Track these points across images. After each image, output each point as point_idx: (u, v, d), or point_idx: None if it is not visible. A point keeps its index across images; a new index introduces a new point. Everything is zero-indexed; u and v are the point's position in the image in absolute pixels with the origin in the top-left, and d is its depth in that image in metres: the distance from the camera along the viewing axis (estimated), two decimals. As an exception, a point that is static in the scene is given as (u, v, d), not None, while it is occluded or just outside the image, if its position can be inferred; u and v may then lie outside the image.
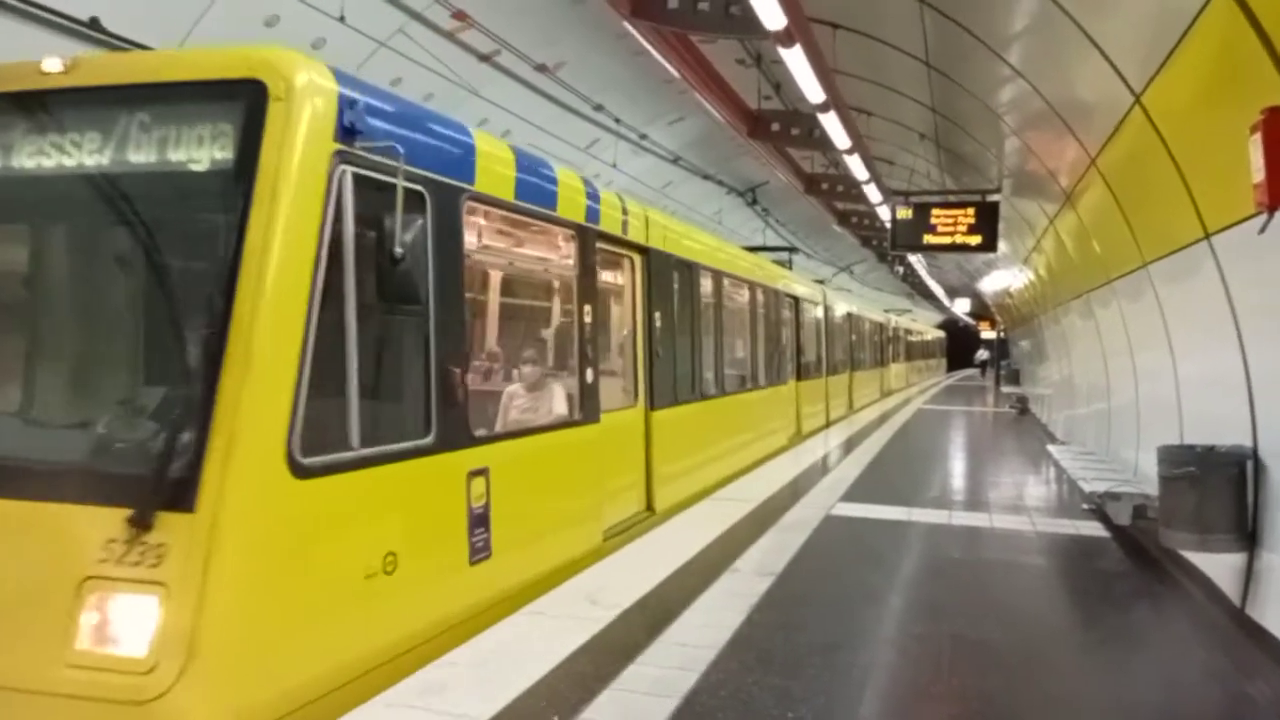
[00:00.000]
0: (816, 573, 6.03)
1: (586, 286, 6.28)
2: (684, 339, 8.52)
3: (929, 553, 6.71)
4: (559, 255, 6.55)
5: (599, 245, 6.49)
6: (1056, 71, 7.28)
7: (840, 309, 19.18)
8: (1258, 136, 3.85)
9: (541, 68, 10.98)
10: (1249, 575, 4.96)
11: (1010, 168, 11.39)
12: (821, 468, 10.97)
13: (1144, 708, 3.97)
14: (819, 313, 16.81)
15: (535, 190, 5.56)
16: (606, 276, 7.18)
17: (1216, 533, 4.98)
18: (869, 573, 6.09)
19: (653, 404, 7.46)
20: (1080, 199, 8.79)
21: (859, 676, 4.19)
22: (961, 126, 11.26)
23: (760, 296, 12.25)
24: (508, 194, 5.21)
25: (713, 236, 10.87)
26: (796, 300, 14.62)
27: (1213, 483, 4.98)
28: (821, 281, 19.65)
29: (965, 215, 12.14)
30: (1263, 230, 4.03)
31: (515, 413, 6.15)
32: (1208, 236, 5.33)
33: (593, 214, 6.37)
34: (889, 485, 9.78)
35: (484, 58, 10.35)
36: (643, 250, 7.38)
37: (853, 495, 8.94)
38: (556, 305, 7.91)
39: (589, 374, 6.23)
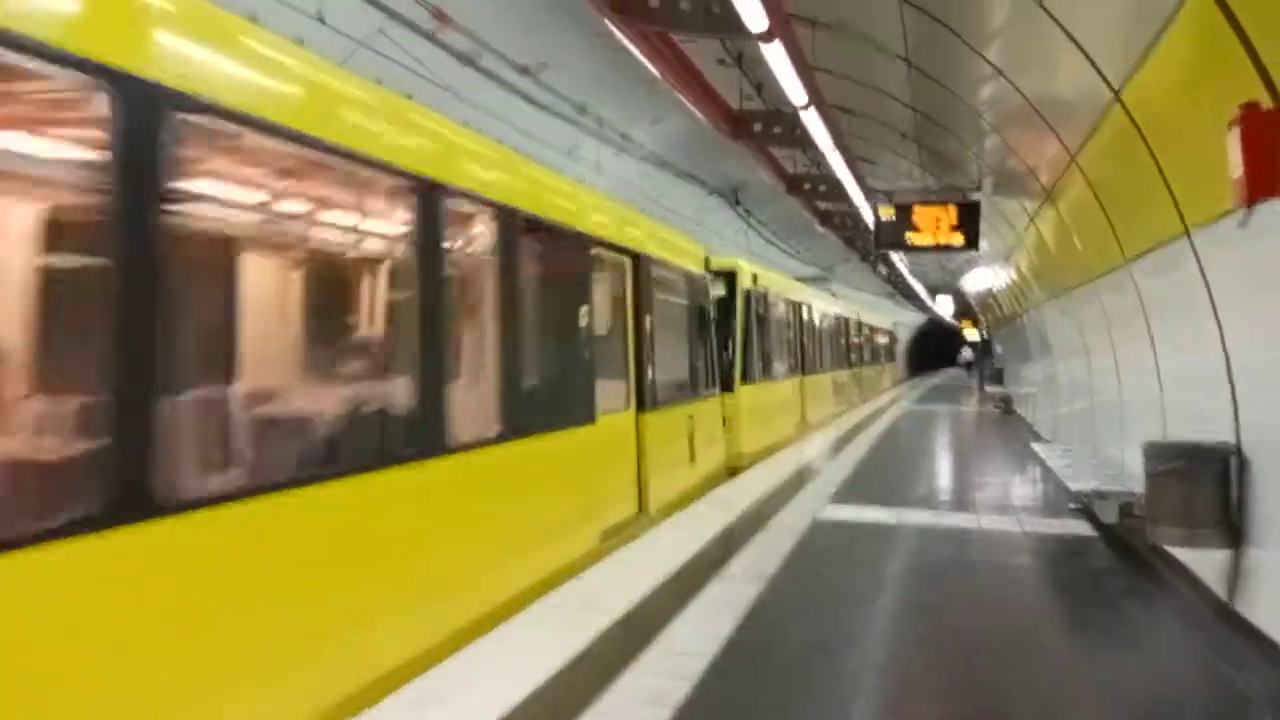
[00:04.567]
0: (807, 576, 6.00)
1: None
2: None
3: (917, 554, 6.69)
4: None
5: None
6: (1036, 68, 7.30)
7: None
8: (1236, 132, 3.86)
9: (524, 70, 10.91)
10: (1235, 571, 4.96)
11: (991, 165, 11.43)
12: (806, 473, 10.95)
13: (1136, 704, 3.95)
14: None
15: None
16: None
17: (1203, 528, 4.99)
18: (858, 575, 6.07)
19: None
20: (1061, 196, 8.82)
21: (851, 677, 4.16)
22: (942, 124, 11.28)
23: None
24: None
25: None
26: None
27: (1199, 478, 4.99)
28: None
29: (947, 214, 12.17)
30: (1242, 225, 4.04)
31: None
32: (1188, 232, 5.34)
33: None
34: (875, 487, 9.77)
35: (465, 60, 10.27)
36: None
37: (840, 498, 8.93)
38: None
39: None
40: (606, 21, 7.45)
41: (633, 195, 16.24)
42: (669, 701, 3.77)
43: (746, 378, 11.88)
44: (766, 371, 12.95)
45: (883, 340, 32.08)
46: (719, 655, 4.33)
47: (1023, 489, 9.94)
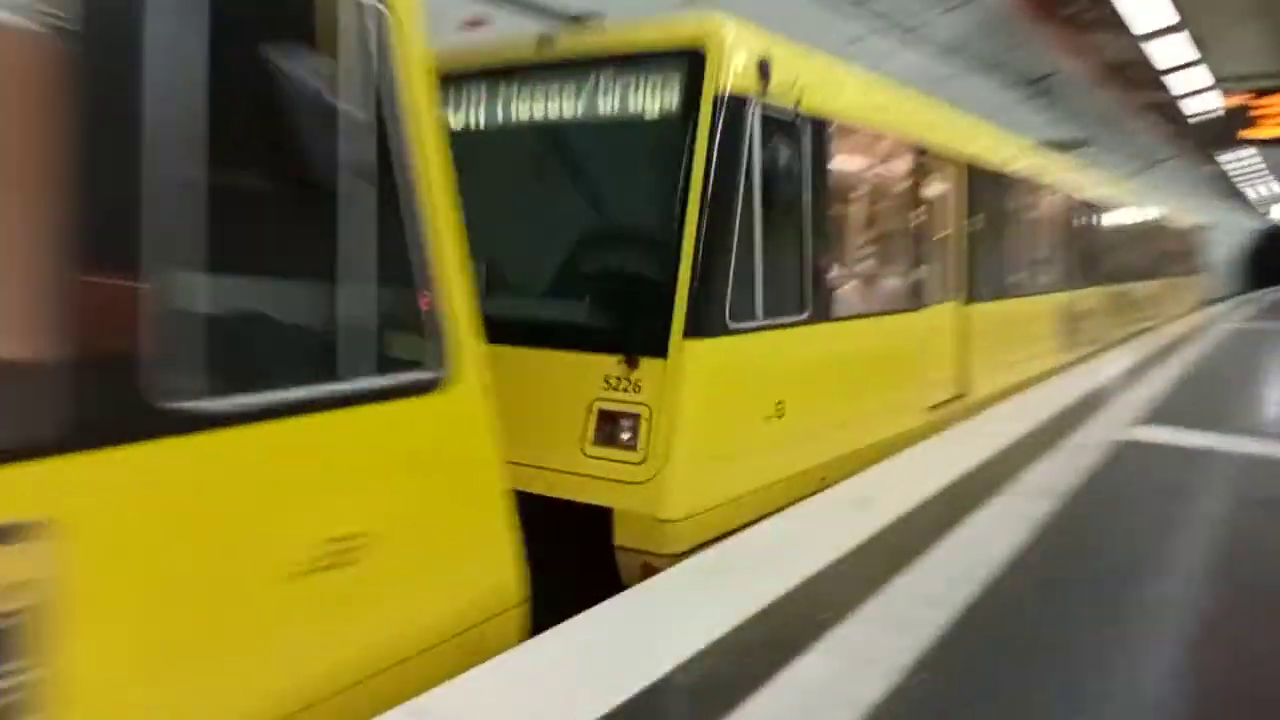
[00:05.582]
0: (1107, 499, 5.61)
1: None
2: None
3: (1243, 488, 6.00)
4: None
5: None
6: None
7: None
8: None
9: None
10: None
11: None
12: (1115, 386, 10.05)
13: None
14: None
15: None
16: None
17: None
18: (1169, 504, 5.57)
19: None
20: None
21: (1155, 610, 3.89)
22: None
23: None
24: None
25: None
26: None
27: None
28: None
29: (1311, 100, 10.34)
30: None
31: None
32: None
33: None
34: (1195, 409, 8.79)
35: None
36: None
37: (1151, 418, 8.13)
38: None
39: None
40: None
41: (921, 87, 15.31)
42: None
43: (706, 325, 4.78)
44: (818, 302, 5.72)
45: (1173, 245, 20.95)
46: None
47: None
